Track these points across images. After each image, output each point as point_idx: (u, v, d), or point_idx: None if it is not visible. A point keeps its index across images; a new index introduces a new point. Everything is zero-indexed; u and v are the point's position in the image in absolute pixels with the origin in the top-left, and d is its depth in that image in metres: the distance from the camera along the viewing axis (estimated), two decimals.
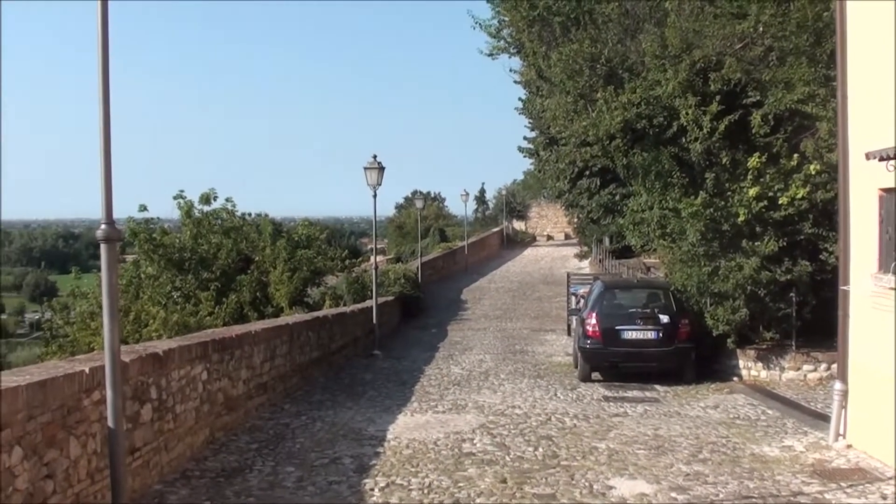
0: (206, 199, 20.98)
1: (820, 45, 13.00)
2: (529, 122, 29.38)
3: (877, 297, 8.17)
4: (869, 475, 7.69)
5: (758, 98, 14.07)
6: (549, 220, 66.73)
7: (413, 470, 7.92)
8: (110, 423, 5.40)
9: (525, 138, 31.25)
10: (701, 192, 13.91)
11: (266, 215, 23.38)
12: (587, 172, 26.41)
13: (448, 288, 34.56)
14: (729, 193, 13.87)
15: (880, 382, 7.94)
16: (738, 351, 14.16)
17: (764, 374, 13.86)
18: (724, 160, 14.14)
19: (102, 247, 5.29)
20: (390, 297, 24.44)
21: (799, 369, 13.59)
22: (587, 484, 7.46)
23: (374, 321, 19.10)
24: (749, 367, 14.09)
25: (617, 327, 13.81)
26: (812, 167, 13.32)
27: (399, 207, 67.64)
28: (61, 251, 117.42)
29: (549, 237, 65.04)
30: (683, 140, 14.45)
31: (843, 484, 7.43)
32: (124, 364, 6.30)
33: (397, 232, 62.47)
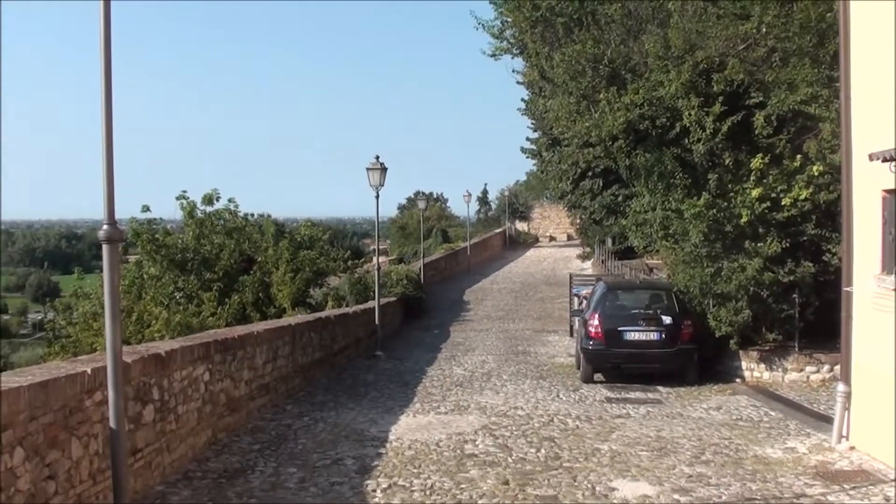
0: (208, 199, 20.98)
1: (823, 46, 12.99)
2: (532, 123, 29.43)
3: (880, 299, 8.15)
4: (872, 477, 7.67)
5: (761, 99, 14.06)
6: (551, 220, 66.64)
7: (415, 471, 7.91)
8: (112, 423, 5.40)
9: (528, 139, 31.34)
10: (704, 193, 13.90)
11: (269, 216, 23.41)
12: (590, 173, 26.42)
13: (450, 289, 34.56)
14: (732, 194, 13.86)
15: (883, 384, 7.92)
16: (741, 352, 14.14)
17: (767, 375, 13.83)
18: (727, 161, 14.13)
19: (104, 247, 5.29)
20: (393, 298, 24.46)
21: (802, 371, 13.57)
22: (589, 485, 7.45)
23: (377, 322, 19.10)
24: (752, 368, 14.06)
25: (619, 328, 13.79)
26: (815, 168, 13.30)
27: (402, 208, 67.52)
28: (64, 252, 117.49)
29: (552, 238, 64.96)
30: (686, 141, 14.43)
31: (846, 486, 7.41)
32: (126, 365, 6.30)
33: (400, 233, 62.39)
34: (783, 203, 13.50)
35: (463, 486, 7.41)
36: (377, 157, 18.85)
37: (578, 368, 14.69)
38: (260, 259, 21.19)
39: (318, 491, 7.25)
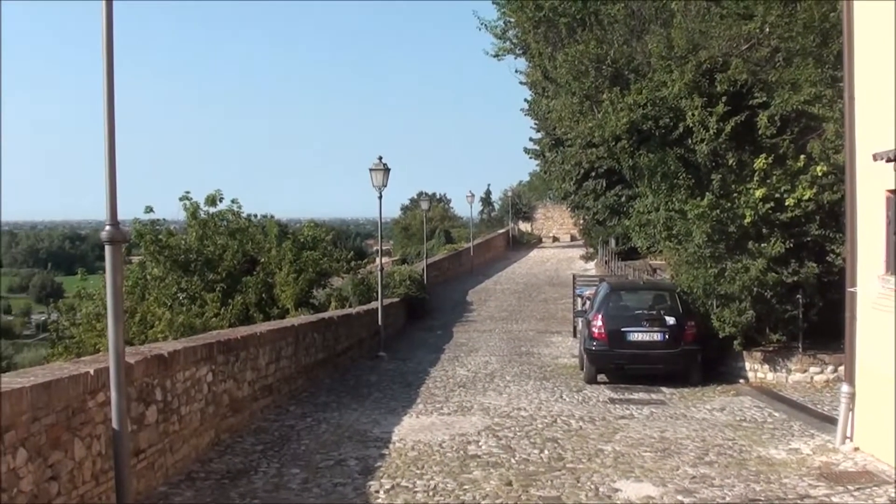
0: (211, 200, 20.99)
1: (827, 46, 12.96)
2: (535, 124, 29.39)
3: (884, 299, 8.13)
4: (876, 478, 7.64)
5: (764, 99, 14.03)
6: (554, 221, 66.71)
7: (418, 472, 7.90)
8: (115, 424, 5.40)
9: (531, 139, 31.30)
10: (707, 193, 13.87)
11: (272, 217, 23.42)
12: (593, 174, 26.38)
13: (454, 289, 34.56)
14: (735, 195, 13.84)
15: (887, 385, 7.89)
16: (745, 353, 14.11)
17: (770, 376, 13.81)
18: (730, 161, 14.10)
19: (107, 248, 5.28)
20: (396, 299, 24.45)
21: (805, 371, 13.54)
22: (593, 486, 7.43)
23: (380, 322, 19.11)
24: (755, 369, 14.04)
25: (623, 329, 13.77)
26: (819, 168, 13.27)
27: (404, 209, 67.53)
28: (68, 252, 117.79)
29: (555, 238, 65.00)
30: (689, 141, 14.41)
31: (850, 487, 7.39)
32: (129, 365, 6.30)
33: (403, 233, 62.39)
34: (787, 203, 13.48)
35: (466, 487, 7.41)
36: (380, 158, 18.87)
37: (582, 369, 14.68)
38: (263, 260, 21.19)
39: (321, 492, 7.25)
